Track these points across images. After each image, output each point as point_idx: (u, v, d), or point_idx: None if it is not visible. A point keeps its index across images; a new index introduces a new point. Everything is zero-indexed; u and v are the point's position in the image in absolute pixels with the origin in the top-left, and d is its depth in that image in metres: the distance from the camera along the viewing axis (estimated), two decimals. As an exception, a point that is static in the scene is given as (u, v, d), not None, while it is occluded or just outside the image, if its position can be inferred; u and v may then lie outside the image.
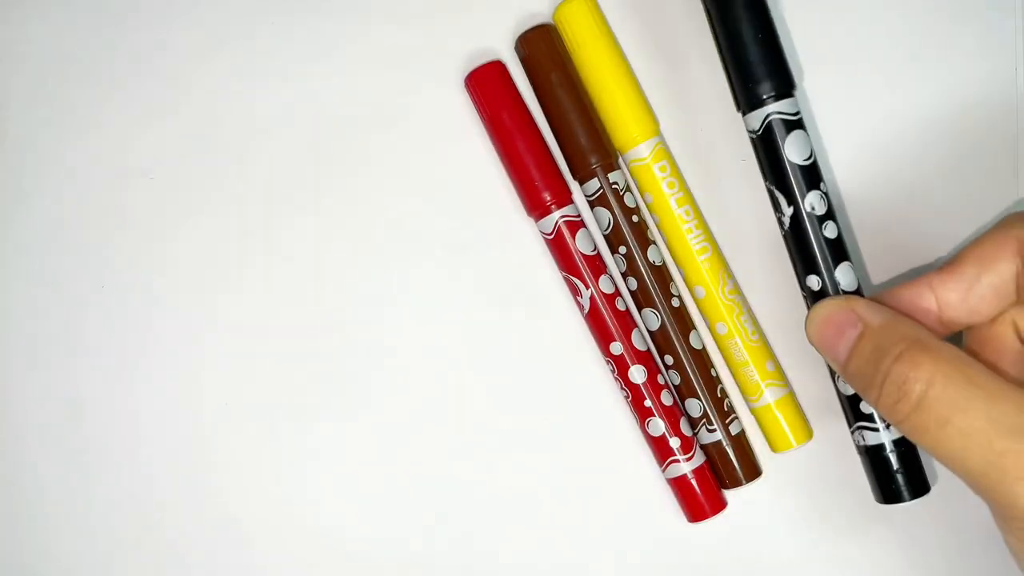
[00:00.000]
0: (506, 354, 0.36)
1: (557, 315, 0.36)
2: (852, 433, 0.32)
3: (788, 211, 0.31)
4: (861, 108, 0.36)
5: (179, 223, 0.37)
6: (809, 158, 0.31)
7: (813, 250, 0.31)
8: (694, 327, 0.35)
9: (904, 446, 0.31)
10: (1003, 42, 0.35)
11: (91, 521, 0.37)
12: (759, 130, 0.31)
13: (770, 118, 0.31)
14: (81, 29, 0.37)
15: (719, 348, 0.35)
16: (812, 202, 0.31)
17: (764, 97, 0.31)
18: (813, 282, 0.31)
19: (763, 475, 0.35)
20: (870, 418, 0.31)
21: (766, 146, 0.31)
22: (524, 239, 0.36)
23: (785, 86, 0.31)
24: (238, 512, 0.37)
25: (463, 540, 0.36)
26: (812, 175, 0.31)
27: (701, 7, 0.33)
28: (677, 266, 0.35)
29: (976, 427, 0.24)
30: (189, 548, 0.37)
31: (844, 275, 0.31)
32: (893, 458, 0.31)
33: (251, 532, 0.37)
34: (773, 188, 0.32)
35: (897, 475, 0.31)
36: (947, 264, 0.29)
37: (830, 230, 0.31)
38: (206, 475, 0.37)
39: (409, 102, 0.36)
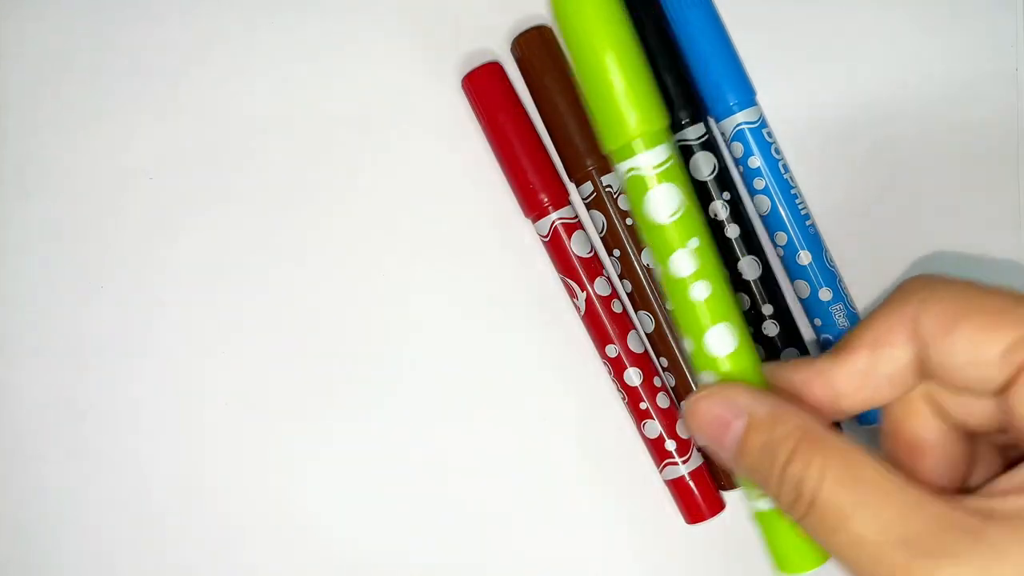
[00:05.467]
0: (503, 355, 0.36)
1: (554, 317, 0.36)
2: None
3: None
4: (860, 108, 0.36)
5: (179, 223, 0.37)
6: (712, 173, 0.34)
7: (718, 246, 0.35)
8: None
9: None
10: (1003, 42, 0.35)
11: (91, 521, 0.37)
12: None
13: (679, 143, 0.35)
14: (81, 29, 0.37)
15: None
16: (715, 209, 0.34)
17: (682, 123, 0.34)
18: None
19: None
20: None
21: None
22: (522, 241, 0.36)
23: (695, 115, 0.34)
24: (239, 513, 0.37)
25: (460, 541, 0.36)
26: (717, 187, 0.34)
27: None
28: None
29: (865, 537, 0.22)
30: (189, 548, 0.37)
31: (748, 266, 0.34)
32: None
33: (251, 533, 0.37)
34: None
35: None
36: (838, 348, 0.26)
37: (731, 231, 0.34)
38: (206, 475, 0.37)
39: (408, 103, 0.36)
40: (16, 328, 0.37)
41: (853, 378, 0.26)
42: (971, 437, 0.27)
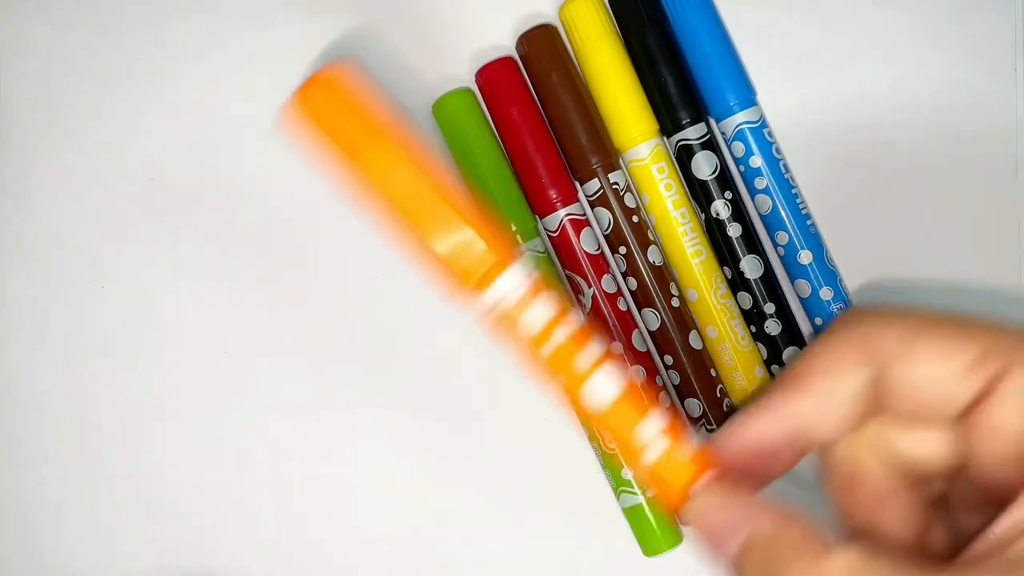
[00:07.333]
0: (500, 359, 0.36)
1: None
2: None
3: (701, 216, 0.35)
4: (860, 108, 0.36)
5: (179, 223, 0.37)
6: (713, 173, 0.34)
7: (720, 245, 0.35)
8: (694, 327, 0.35)
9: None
10: (1003, 42, 0.35)
11: (91, 521, 0.37)
12: (675, 151, 0.35)
13: (681, 142, 0.35)
14: (81, 29, 0.37)
15: (709, 352, 0.35)
16: (716, 209, 0.34)
17: (682, 123, 0.35)
18: (725, 271, 0.35)
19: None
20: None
21: (680, 164, 0.35)
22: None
23: (696, 115, 0.35)
24: (240, 512, 0.37)
25: (459, 544, 0.36)
26: (719, 186, 0.35)
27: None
28: (672, 267, 0.35)
29: None
30: (190, 547, 0.37)
31: (749, 265, 0.35)
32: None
33: (252, 532, 0.37)
34: (689, 196, 0.35)
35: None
36: (790, 379, 0.26)
37: (733, 230, 0.35)
38: (206, 475, 0.37)
39: (411, 104, 0.36)
40: (16, 328, 0.37)
41: (814, 408, 0.25)
42: (918, 488, 0.26)
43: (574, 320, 0.23)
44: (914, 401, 0.24)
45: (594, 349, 0.24)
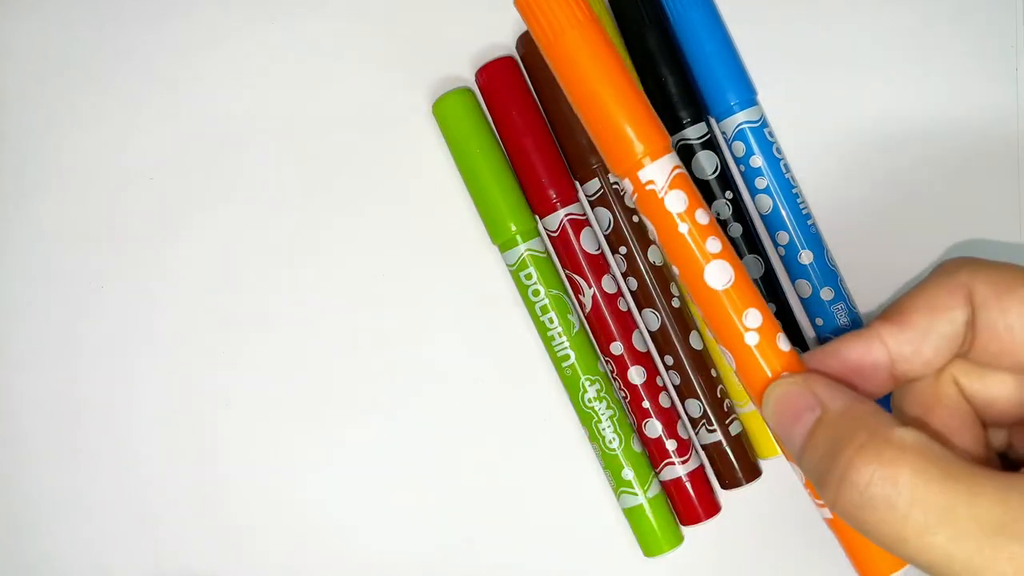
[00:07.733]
0: (501, 359, 0.36)
1: (520, 341, 0.36)
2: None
3: None
4: (861, 109, 0.36)
5: (179, 224, 0.37)
6: (714, 172, 0.34)
7: None
8: (694, 327, 0.35)
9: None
10: (1003, 42, 0.35)
11: (90, 523, 0.37)
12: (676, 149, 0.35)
13: (681, 142, 0.35)
14: (80, 29, 0.37)
15: (710, 352, 0.35)
16: (717, 208, 0.35)
17: (683, 122, 0.35)
18: None
19: (762, 476, 0.35)
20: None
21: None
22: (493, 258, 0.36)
23: (696, 114, 0.35)
24: (238, 513, 0.37)
25: (458, 545, 0.36)
26: (719, 186, 0.35)
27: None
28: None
29: (962, 530, 0.22)
30: (188, 549, 0.37)
31: (750, 265, 0.35)
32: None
33: (250, 533, 0.37)
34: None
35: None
36: (893, 313, 0.27)
37: (734, 230, 0.35)
38: (205, 476, 0.37)
39: (411, 102, 0.36)
40: (16, 328, 0.37)
41: (914, 339, 0.27)
42: (984, 429, 0.28)
43: (708, 213, 0.28)
44: (999, 346, 0.26)
45: (718, 241, 0.28)
